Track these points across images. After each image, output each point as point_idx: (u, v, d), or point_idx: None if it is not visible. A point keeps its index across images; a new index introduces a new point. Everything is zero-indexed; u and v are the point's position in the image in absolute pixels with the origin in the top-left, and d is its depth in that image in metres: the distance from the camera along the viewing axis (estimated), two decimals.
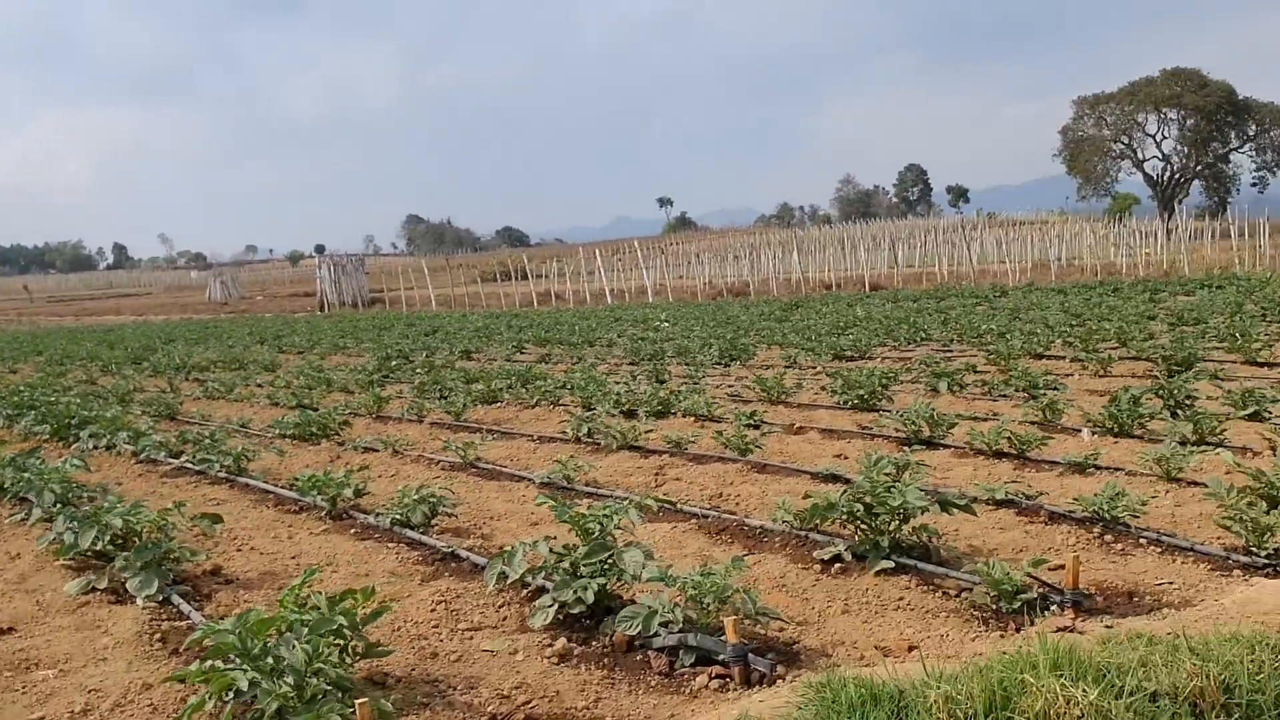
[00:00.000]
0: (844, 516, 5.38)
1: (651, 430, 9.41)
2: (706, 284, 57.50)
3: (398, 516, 6.35)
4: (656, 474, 7.88)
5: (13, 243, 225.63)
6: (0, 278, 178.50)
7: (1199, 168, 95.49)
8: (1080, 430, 8.74)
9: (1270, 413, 9.03)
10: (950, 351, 16.94)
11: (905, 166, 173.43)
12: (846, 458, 8.28)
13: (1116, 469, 7.32)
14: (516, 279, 67.94)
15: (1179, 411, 9.37)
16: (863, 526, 5.42)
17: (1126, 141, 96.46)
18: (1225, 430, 8.21)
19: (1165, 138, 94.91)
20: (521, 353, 22.73)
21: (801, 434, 9.37)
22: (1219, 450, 7.85)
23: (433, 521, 6.46)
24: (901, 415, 8.63)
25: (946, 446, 8.39)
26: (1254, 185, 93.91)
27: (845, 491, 5.44)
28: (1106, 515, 5.93)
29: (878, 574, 5.19)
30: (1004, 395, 10.98)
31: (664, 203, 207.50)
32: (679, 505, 6.64)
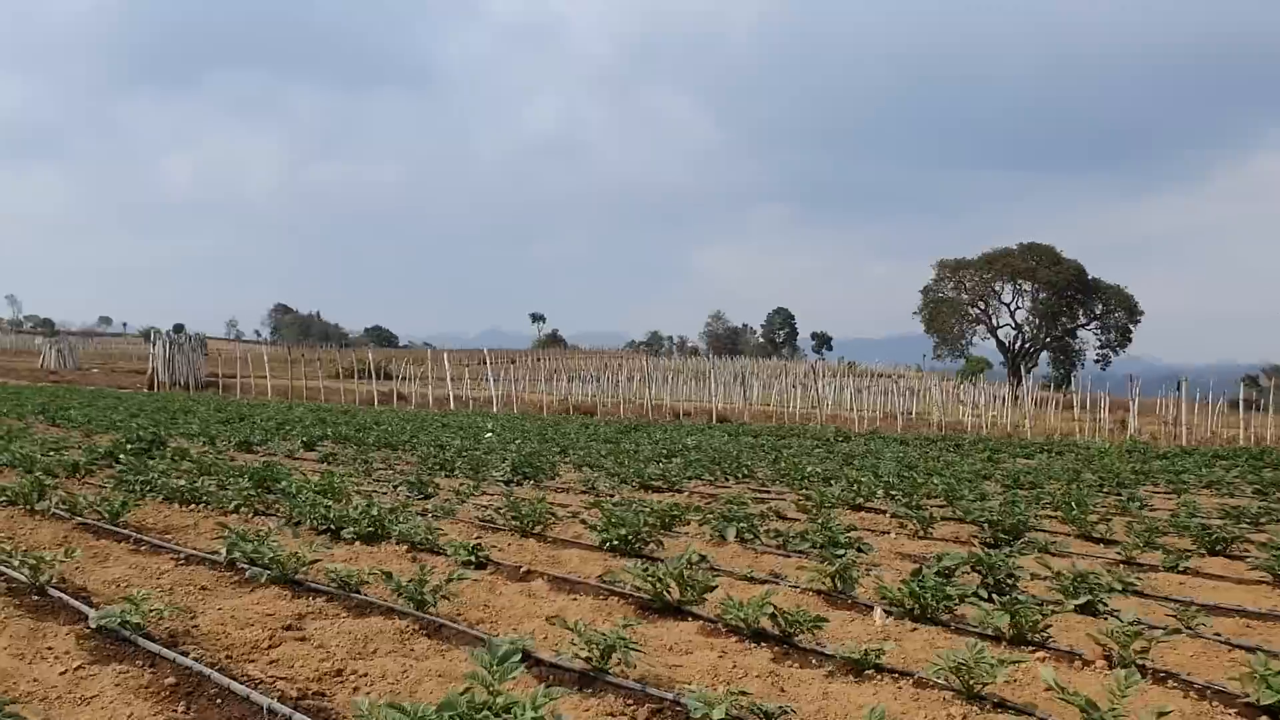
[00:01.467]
0: None
1: (327, 559, 7.15)
2: (559, 400, 55.58)
3: None
4: (285, 628, 5.61)
5: None
6: None
7: (1048, 340, 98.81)
8: (873, 608, 6.82)
9: (1105, 604, 7.30)
10: (767, 492, 15.18)
11: (774, 309, 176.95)
12: (562, 621, 6.16)
13: (904, 674, 5.38)
14: (372, 378, 64.99)
15: (998, 594, 7.59)
16: None
17: (983, 307, 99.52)
18: (1050, 626, 6.39)
19: (1019, 308, 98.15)
20: (311, 450, 20.22)
21: (527, 581, 7.24)
22: (1038, 656, 6.03)
23: None
24: (646, 571, 6.57)
25: (697, 617, 6.36)
26: (1097, 361, 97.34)
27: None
28: None
29: None
30: (799, 550, 9.08)
31: (537, 318, 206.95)
32: (250, 693, 4.38)
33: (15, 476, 12.43)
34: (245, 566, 6.98)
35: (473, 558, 7.63)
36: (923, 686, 5.19)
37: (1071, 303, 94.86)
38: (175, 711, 4.18)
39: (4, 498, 9.86)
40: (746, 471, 17.68)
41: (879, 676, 5.33)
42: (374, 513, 8.40)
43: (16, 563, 6.11)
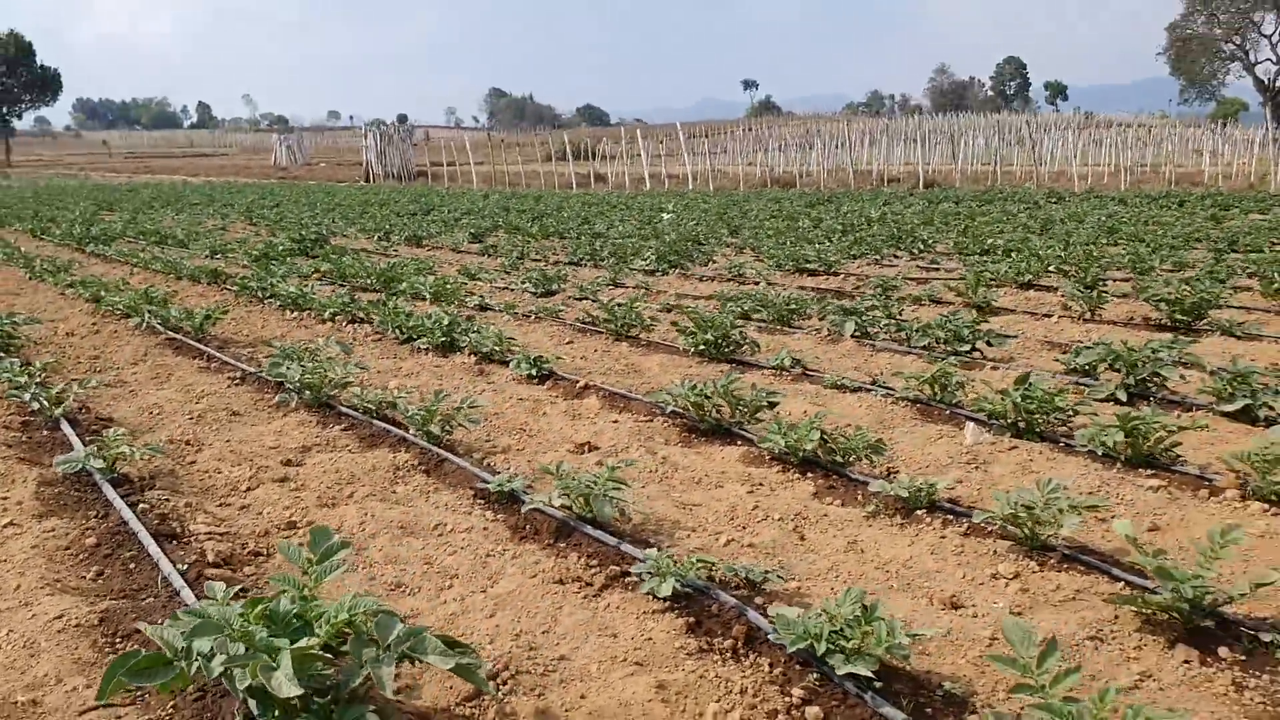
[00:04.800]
0: None
1: (366, 378, 6.73)
2: (759, 173, 53.94)
3: None
4: (286, 463, 5.21)
5: (101, 97, 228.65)
6: (87, 132, 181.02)
7: None
8: (965, 426, 5.82)
9: (1273, 409, 6.02)
10: (936, 268, 13.94)
11: (1004, 59, 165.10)
12: (596, 449, 5.53)
13: (965, 514, 4.45)
14: (571, 159, 65.02)
15: (1140, 398, 6.43)
16: None
17: (1238, 41, 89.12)
18: (1178, 444, 5.26)
19: None
20: (478, 241, 20.04)
21: (581, 398, 6.59)
22: (1154, 483, 4.94)
23: None
24: (694, 389, 5.76)
25: (749, 440, 5.57)
26: None
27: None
28: None
29: None
30: (921, 346, 8.05)
31: (749, 85, 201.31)
32: (160, 558, 3.95)
33: (163, 284, 12.77)
34: (272, 382, 6.64)
35: (534, 370, 7.04)
36: (978, 534, 4.28)
37: None
38: (81, 577, 3.82)
39: (119, 311, 9.96)
40: (923, 245, 16.32)
41: (929, 519, 4.44)
42: (445, 323, 7.90)
43: (31, 393, 5.93)
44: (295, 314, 10.01)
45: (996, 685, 3.23)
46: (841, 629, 3.14)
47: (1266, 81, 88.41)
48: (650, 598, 3.56)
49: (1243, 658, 3.43)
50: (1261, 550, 4.23)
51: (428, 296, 10.87)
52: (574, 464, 5.15)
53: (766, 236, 18.04)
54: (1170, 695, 3.22)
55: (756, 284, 12.74)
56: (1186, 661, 3.40)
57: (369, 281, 12.15)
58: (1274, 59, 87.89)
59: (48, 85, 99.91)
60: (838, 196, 33.78)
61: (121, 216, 26.54)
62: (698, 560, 3.59)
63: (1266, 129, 47.30)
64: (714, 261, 15.45)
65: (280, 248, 16.03)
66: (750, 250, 16.61)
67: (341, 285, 12.54)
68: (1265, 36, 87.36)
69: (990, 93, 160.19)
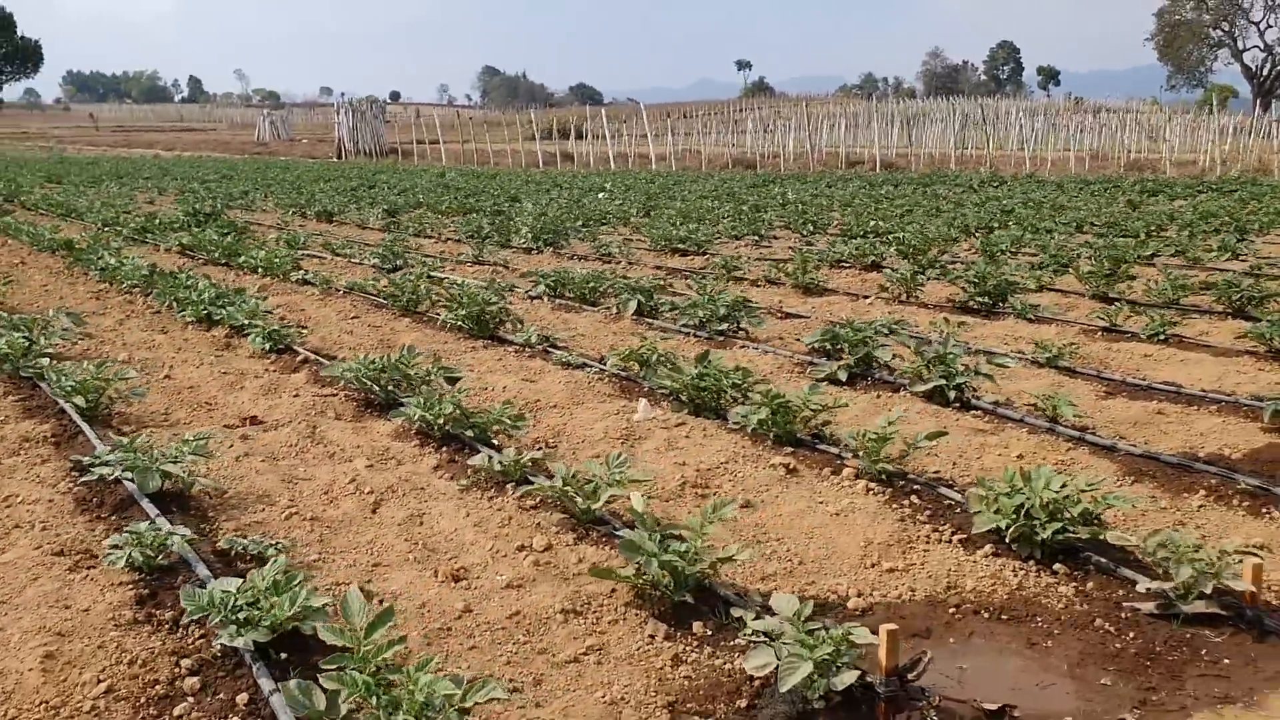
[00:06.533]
0: None
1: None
2: (731, 153, 53.78)
3: None
4: None
5: (92, 69, 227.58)
6: (78, 105, 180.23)
7: None
8: (639, 403, 5.80)
9: (975, 390, 6.01)
10: (811, 248, 13.91)
11: (998, 43, 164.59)
12: (261, 423, 5.52)
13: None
14: (556, 138, 65.15)
15: (861, 377, 6.43)
16: None
17: (1227, 28, 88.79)
18: (828, 424, 5.26)
19: (1270, 25, 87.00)
20: (391, 217, 19.95)
21: (296, 372, 6.57)
22: (779, 460, 4.92)
23: None
24: (371, 364, 5.74)
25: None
26: None
27: None
28: None
29: None
30: (691, 325, 8.07)
31: (742, 65, 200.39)
32: None
33: (22, 252, 12.80)
34: None
35: (271, 344, 7.03)
36: (546, 507, 4.27)
37: None
38: None
39: None
40: (813, 227, 16.28)
41: (514, 492, 4.43)
42: (209, 297, 7.89)
43: None
44: (104, 286, 10.00)
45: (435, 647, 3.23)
46: (257, 600, 3.13)
47: (1254, 69, 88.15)
48: (124, 570, 3.55)
49: (711, 632, 3.43)
50: (830, 527, 4.23)
51: (259, 270, 10.86)
52: (224, 439, 5.14)
53: (673, 217, 17.96)
54: (605, 669, 3.22)
55: (619, 263, 12.75)
56: (652, 636, 3.40)
57: (215, 255, 12.11)
58: (1261, 46, 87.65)
59: (29, 56, 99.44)
60: (786, 179, 33.67)
61: (62, 188, 26.41)
62: (168, 533, 3.58)
63: (1267, 114, 47.01)
64: (598, 240, 15.40)
65: (159, 222, 15.93)
66: (644, 229, 16.57)
67: (194, 257, 12.54)
68: (1254, 23, 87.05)
69: (983, 77, 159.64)
